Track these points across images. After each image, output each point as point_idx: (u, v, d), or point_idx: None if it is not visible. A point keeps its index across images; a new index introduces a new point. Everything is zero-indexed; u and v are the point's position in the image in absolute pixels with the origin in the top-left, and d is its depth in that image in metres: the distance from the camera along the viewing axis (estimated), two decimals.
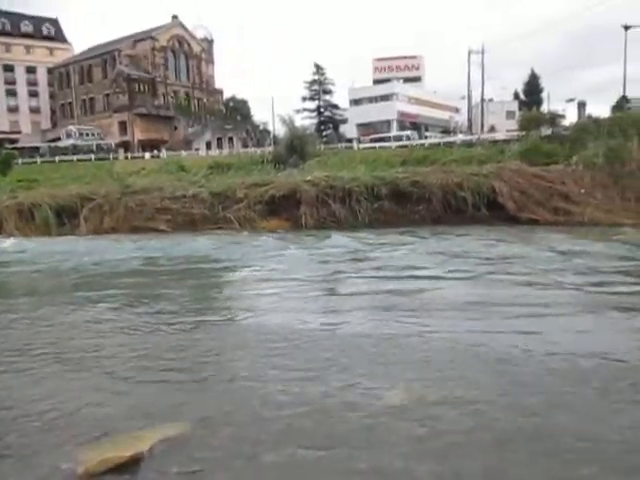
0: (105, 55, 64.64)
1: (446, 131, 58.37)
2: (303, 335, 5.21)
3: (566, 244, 11.77)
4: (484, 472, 2.78)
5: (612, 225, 15.27)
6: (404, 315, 5.96)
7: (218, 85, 71.37)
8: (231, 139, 59.39)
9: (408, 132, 49.11)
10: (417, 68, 73.23)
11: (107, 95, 63.09)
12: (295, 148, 28.71)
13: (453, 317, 5.87)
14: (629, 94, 43.87)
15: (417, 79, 71.78)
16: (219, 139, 59.12)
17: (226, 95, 73.74)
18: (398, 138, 43.74)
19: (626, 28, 45.62)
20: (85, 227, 18.38)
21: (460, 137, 41.28)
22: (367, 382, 3.95)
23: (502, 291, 7.23)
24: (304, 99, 66.65)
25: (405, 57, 72.96)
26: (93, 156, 46.15)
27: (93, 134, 56.94)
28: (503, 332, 5.18)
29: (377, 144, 40.77)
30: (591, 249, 10.98)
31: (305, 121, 61.57)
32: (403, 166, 22.10)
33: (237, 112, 72.10)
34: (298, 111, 62.23)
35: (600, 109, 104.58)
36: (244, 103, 76.47)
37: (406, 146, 34.79)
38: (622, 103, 40.81)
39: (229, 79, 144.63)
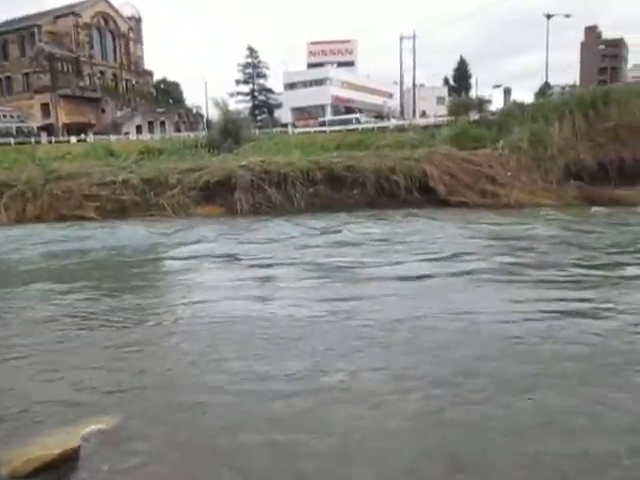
0: (22, 30, 60.53)
1: (379, 116, 59.09)
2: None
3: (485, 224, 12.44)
4: None
5: (535, 206, 16.08)
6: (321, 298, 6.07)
7: (148, 66, 68.92)
8: (163, 123, 57.57)
9: (357, 115, 48.47)
10: (350, 52, 73.53)
11: (26, 74, 59.35)
12: (229, 132, 28.21)
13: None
14: (551, 81, 46.02)
15: (350, 64, 72.14)
16: (150, 123, 57.18)
17: (156, 77, 71.36)
18: (346, 121, 42.84)
19: (548, 17, 47.60)
20: (5, 215, 17.39)
21: (393, 122, 41.85)
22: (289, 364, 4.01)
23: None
24: (238, 82, 65.45)
25: (339, 41, 73.08)
26: (12, 140, 43.51)
27: (12, 116, 53.64)
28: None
29: (313, 129, 40.54)
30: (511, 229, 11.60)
31: (239, 105, 60.56)
32: (338, 151, 22.24)
33: (168, 95, 69.87)
34: (232, 95, 61.13)
35: (524, 95, 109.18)
36: (176, 86, 74.16)
37: (357, 129, 34.57)
38: (545, 89, 42.65)
39: (159, 61, 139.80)
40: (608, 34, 73.42)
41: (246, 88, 65.52)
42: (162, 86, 71.92)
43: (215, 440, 3.03)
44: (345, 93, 65.09)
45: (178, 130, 51.35)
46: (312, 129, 40.46)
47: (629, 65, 73.97)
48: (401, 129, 32.11)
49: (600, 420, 3.13)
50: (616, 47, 72.59)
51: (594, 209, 15.38)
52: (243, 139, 27.92)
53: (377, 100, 67.40)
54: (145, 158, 22.56)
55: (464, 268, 7.45)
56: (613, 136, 19.13)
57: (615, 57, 72.27)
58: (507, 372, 3.81)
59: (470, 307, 5.45)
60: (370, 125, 40.47)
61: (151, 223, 15.00)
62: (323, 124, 43.88)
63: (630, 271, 7.18)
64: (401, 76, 58.01)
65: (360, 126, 39.29)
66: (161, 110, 60.04)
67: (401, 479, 2.66)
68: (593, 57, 70.14)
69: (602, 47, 72.38)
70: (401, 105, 60.17)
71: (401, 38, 54.66)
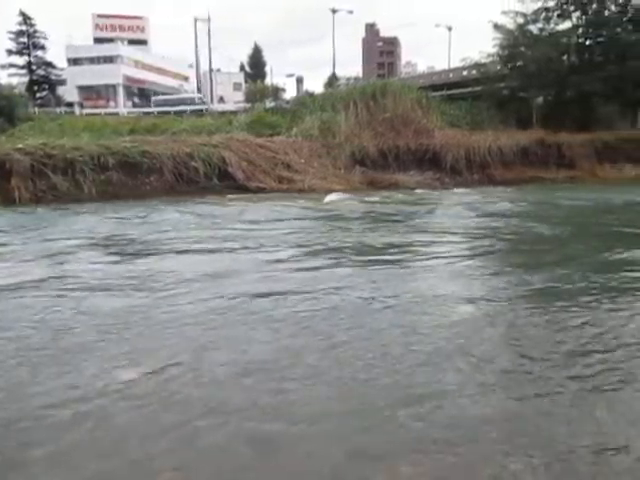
0: None
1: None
2: None
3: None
4: None
5: (327, 191, 17.28)
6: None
7: None
8: None
9: (198, 94, 44.48)
10: (142, 30, 69.61)
11: None
12: (1, 110, 24.98)
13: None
14: (339, 72, 49.52)
15: (143, 42, 68.40)
16: None
17: None
18: (187, 101, 38.42)
19: (333, 11, 50.86)
20: None
21: (190, 107, 41.02)
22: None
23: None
24: (10, 53, 57.68)
25: (129, 17, 68.56)
26: None
27: None
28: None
29: (104, 110, 37.57)
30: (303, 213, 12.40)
31: (13, 79, 53.66)
32: (132, 135, 21.17)
33: None
34: (3, 67, 53.83)
35: (316, 85, 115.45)
36: None
37: (201, 111, 32.19)
38: (332, 81, 45.71)
39: None
40: (386, 32, 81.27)
41: (21, 60, 58.10)
42: None
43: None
44: (138, 73, 61.69)
45: None
46: (103, 110, 37.70)
47: (402, 61, 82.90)
48: (199, 114, 31.74)
49: None
50: (392, 44, 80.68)
51: (385, 192, 17.12)
52: (19, 118, 24.97)
53: (173, 83, 65.29)
54: None
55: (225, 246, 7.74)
56: (390, 126, 21.40)
57: (391, 53, 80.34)
58: None
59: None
60: (166, 109, 39.10)
61: None
62: (159, 104, 39.06)
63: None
64: (197, 60, 57.06)
65: (156, 109, 37.75)
66: None
67: None
68: (373, 52, 77.05)
69: (380, 44, 79.84)
70: (198, 89, 59.20)
71: (195, 20, 53.65)
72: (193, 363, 3.67)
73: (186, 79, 67.04)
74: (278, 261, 6.95)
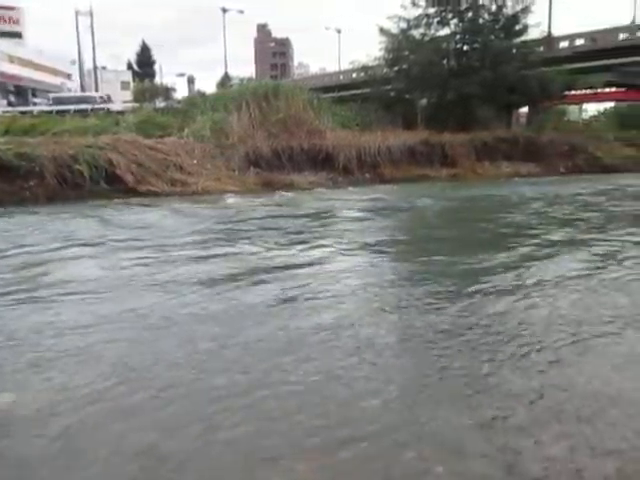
0: None
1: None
2: None
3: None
4: None
5: (222, 193, 17.12)
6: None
7: None
8: None
9: (98, 93, 40.30)
10: (17, 22, 64.57)
11: None
12: None
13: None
14: (233, 72, 48.99)
15: (17, 35, 63.43)
16: None
17: None
18: (89, 100, 34.57)
19: (224, 10, 50.34)
20: None
21: (72, 106, 38.47)
22: None
23: None
24: None
25: (1, 7, 63.35)
26: None
27: None
28: None
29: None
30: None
31: None
32: (6, 136, 19.60)
33: None
34: None
35: (208, 85, 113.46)
36: None
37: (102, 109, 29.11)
38: (225, 80, 45.20)
39: None
40: (278, 34, 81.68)
41: None
42: None
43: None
44: (13, 69, 57.10)
45: None
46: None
47: (295, 63, 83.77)
48: (83, 114, 30.00)
49: None
50: (284, 46, 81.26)
51: (278, 193, 17.26)
52: None
53: (54, 80, 61.26)
54: None
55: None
56: (283, 127, 21.58)
57: (283, 54, 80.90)
58: None
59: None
60: (47, 108, 36.40)
61: None
62: (58, 102, 34.74)
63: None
64: (79, 56, 53.98)
65: (35, 108, 35.06)
66: None
67: None
68: (266, 53, 77.16)
69: (273, 45, 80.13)
70: (82, 87, 56.01)
71: (77, 13, 50.72)
72: None
73: (69, 76, 63.19)
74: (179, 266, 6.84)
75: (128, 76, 61.90)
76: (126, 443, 2.81)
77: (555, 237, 8.85)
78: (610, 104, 47.24)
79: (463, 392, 3.34)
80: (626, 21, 39.00)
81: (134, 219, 12.03)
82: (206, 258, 7.44)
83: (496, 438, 2.82)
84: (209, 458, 2.69)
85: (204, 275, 6.34)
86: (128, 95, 41.87)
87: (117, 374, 3.61)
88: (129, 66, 66.73)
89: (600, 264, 6.80)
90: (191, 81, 51.42)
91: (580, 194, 16.18)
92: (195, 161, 18.66)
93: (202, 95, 26.68)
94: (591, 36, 34.98)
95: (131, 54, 69.34)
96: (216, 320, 4.76)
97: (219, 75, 52.90)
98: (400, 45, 30.57)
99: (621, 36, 33.91)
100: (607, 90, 43.04)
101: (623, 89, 40.85)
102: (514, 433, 2.87)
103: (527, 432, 2.87)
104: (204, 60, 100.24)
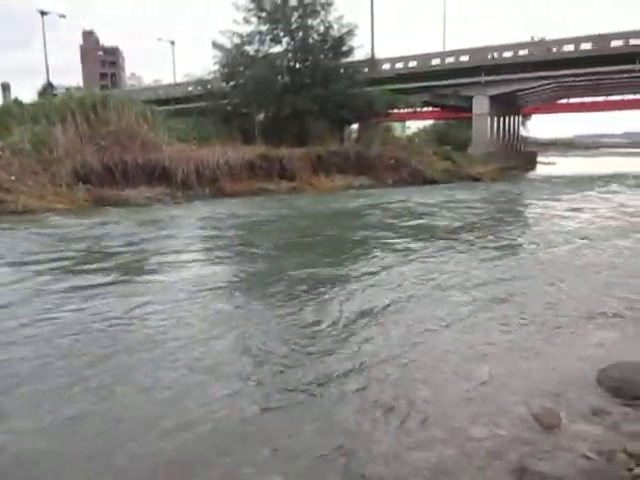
0: None
1: None
2: None
3: None
4: None
5: (47, 211, 15.69)
6: None
7: None
8: None
9: None
10: None
11: None
12: None
13: None
14: (57, 81, 45.15)
15: None
16: None
17: None
18: None
19: (42, 14, 46.35)
20: None
21: None
22: None
23: None
24: None
25: None
26: None
27: None
28: None
29: None
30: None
31: None
32: None
33: None
34: None
35: (28, 94, 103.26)
36: None
37: None
38: (47, 89, 41.64)
39: None
40: (106, 42, 77.28)
41: None
42: None
43: None
44: None
45: None
46: None
47: (127, 73, 79.99)
48: None
49: None
50: (113, 55, 77.19)
51: (112, 210, 16.22)
52: None
53: None
54: None
55: None
56: (115, 140, 20.41)
57: (114, 64, 76.81)
58: None
59: None
60: None
61: None
62: None
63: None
64: None
65: None
66: None
67: None
68: (93, 61, 72.59)
69: (101, 53, 75.68)
70: None
71: None
72: None
73: None
74: None
75: None
76: None
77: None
78: (430, 122, 52.50)
79: None
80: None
81: None
82: None
83: None
84: None
85: None
86: None
87: None
88: None
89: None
90: (6, 88, 46.45)
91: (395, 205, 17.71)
92: (13, 177, 16.88)
93: (20, 105, 24.20)
94: (408, 60, 38.35)
95: None
96: None
97: (40, 84, 48.55)
98: (235, 60, 30.77)
99: (434, 61, 37.64)
100: (425, 109, 47.70)
101: (439, 109, 45.45)
102: None
103: None
104: (23, 67, 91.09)
